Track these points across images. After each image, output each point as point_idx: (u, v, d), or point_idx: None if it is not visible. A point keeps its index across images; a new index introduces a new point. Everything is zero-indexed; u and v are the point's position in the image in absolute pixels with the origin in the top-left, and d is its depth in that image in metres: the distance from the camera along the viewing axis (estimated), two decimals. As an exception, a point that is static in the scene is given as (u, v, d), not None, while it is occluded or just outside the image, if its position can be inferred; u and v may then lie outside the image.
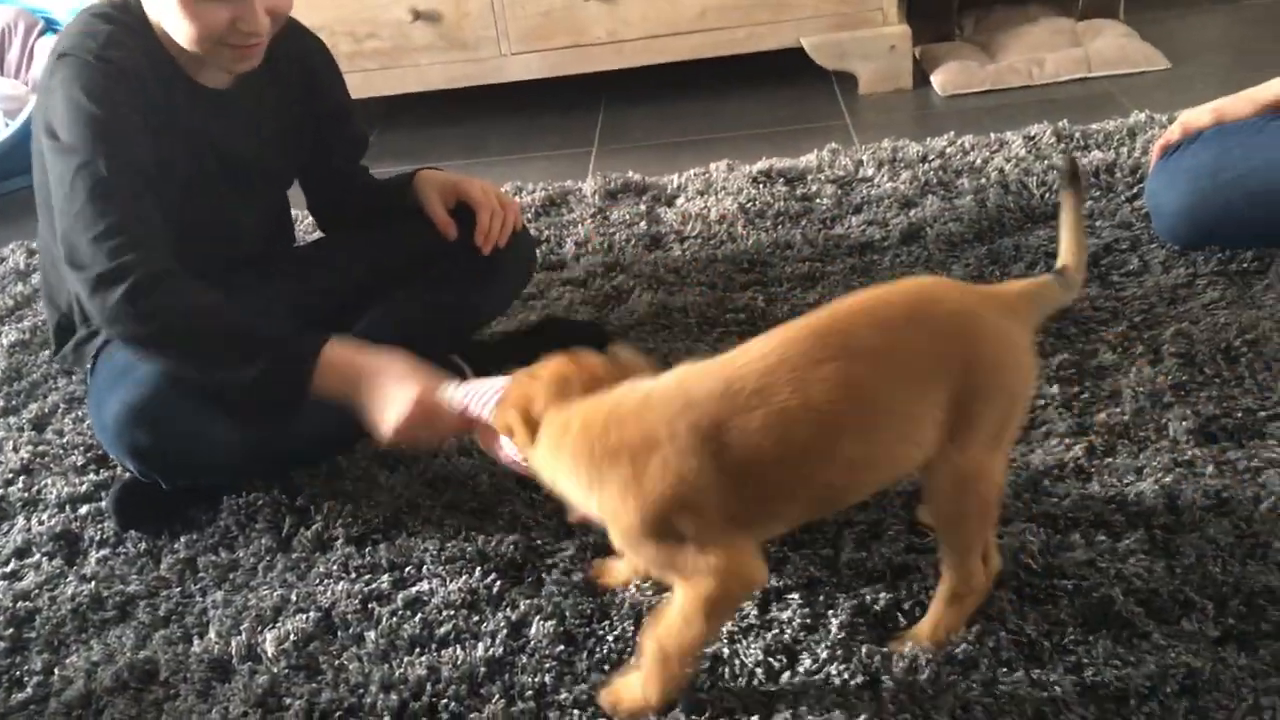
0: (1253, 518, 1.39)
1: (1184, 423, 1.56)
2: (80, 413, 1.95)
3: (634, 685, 1.23)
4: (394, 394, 1.44)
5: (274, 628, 1.42)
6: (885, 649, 1.27)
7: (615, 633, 1.35)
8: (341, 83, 1.91)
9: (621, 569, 1.42)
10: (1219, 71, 2.92)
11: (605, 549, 1.46)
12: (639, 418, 1.15)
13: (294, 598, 1.48)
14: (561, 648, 1.34)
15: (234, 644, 1.41)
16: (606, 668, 1.31)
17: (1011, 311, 1.23)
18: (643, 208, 2.49)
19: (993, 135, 2.56)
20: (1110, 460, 1.53)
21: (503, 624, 1.38)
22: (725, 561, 1.15)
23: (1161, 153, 2.04)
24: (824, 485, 1.18)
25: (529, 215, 2.53)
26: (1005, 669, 1.23)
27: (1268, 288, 1.85)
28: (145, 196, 1.53)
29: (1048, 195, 2.25)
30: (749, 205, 2.41)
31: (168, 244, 1.53)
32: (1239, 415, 1.57)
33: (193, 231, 1.71)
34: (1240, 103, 1.99)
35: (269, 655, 1.39)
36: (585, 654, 1.33)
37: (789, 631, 1.31)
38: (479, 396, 1.37)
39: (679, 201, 2.51)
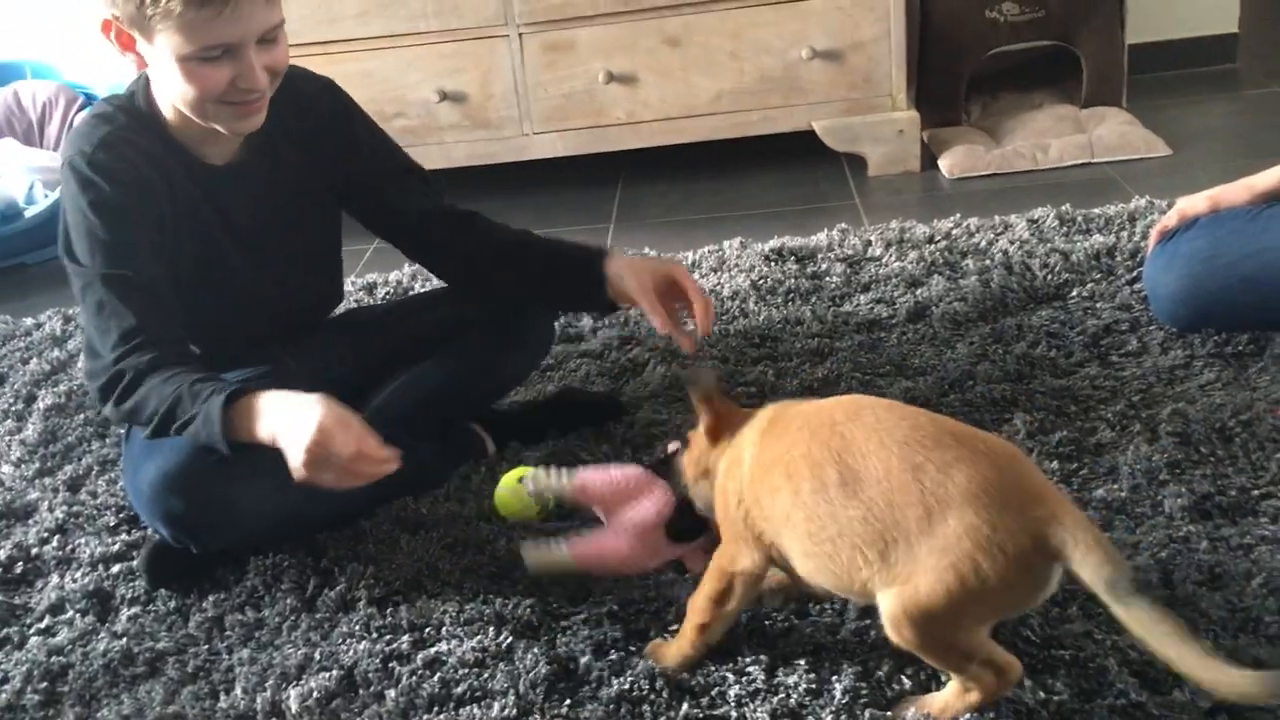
0: (1244, 592, 1.43)
1: (1179, 500, 1.61)
2: (113, 474, 2.03)
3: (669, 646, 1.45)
4: (299, 418, 1.48)
5: (298, 685, 1.47)
6: (888, 715, 1.31)
7: (628, 691, 1.39)
8: (362, 119, 1.89)
9: (671, 651, 1.45)
10: (1219, 158, 3.01)
11: (619, 616, 1.53)
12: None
13: (317, 656, 1.53)
14: (571, 707, 1.39)
15: (259, 700, 1.46)
16: (618, 728, 1.36)
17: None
18: (658, 283, 2.57)
19: (998, 218, 2.64)
20: (1108, 535, 1.58)
21: (518, 683, 1.42)
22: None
23: (1159, 237, 2.11)
24: None
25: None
26: (1003, 735, 1.28)
27: (1262, 370, 1.91)
28: (145, 298, 1.63)
29: (1050, 277, 2.32)
30: (760, 282, 2.49)
31: (170, 335, 1.64)
32: (1233, 493, 1.62)
33: (210, 310, 1.79)
34: (1236, 190, 2.06)
35: (292, 712, 1.44)
36: (596, 716, 1.37)
37: (795, 696, 1.36)
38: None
39: (693, 277, 2.58)
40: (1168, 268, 2.04)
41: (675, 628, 1.49)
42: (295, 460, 1.48)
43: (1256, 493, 1.62)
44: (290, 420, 1.49)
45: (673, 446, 1.63)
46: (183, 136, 1.71)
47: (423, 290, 2.57)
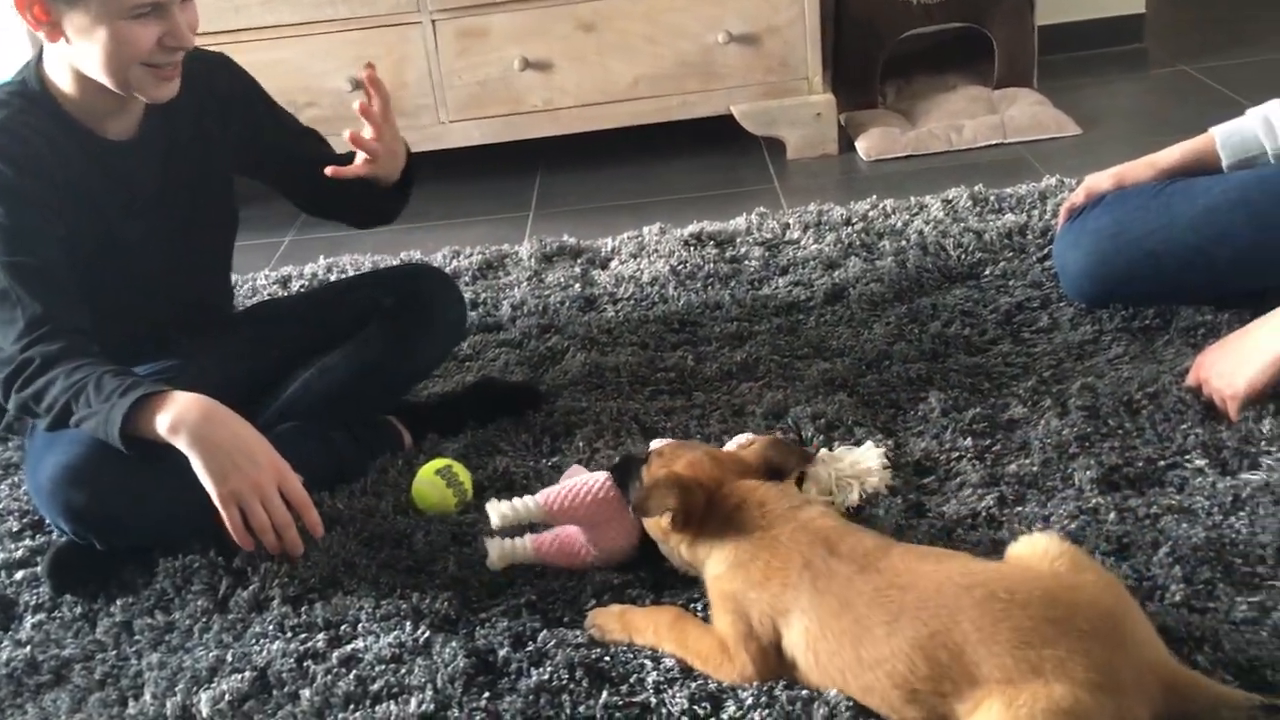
0: (1151, 561, 1.46)
1: (1088, 472, 1.63)
2: (15, 479, 1.96)
3: (617, 624, 1.45)
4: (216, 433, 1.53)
5: (209, 688, 1.44)
6: (804, 693, 1.31)
7: (546, 682, 1.38)
8: (259, 91, 1.92)
9: (616, 634, 1.46)
10: (1127, 137, 3.06)
11: (537, 607, 1.52)
12: (794, 537, 1.34)
13: (230, 658, 1.49)
14: (490, 699, 1.37)
15: (169, 705, 1.43)
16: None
17: None
18: (577, 270, 2.56)
19: (913, 199, 2.67)
20: (1020, 509, 1.60)
21: (436, 678, 1.40)
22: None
23: (1068, 215, 2.14)
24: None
25: (466, 279, 2.58)
26: (919, 710, 1.29)
27: (1168, 343, 1.95)
28: (51, 286, 1.61)
29: (964, 256, 2.35)
30: (680, 267, 2.48)
31: (77, 324, 1.62)
32: (1140, 464, 1.65)
33: (111, 294, 1.75)
34: (1140, 168, 2.10)
35: (204, 715, 1.40)
36: (516, 707, 1.36)
37: (712, 680, 1.36)
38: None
39: (613, 264, 2.58)
40: (1076, 245, 2.08)
41: (593, 605, 1.50)
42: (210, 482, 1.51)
43: (1163, 463, 1.65)
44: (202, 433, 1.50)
45: (657, 443, 1.62)
46: (81, 113, 1.70)
47: (334, 280, 2.52)
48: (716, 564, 1.39)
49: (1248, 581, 1.42)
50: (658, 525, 1.45)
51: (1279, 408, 1.69)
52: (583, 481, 1.59)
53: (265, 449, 1.55)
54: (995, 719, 1.14)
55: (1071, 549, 1.28)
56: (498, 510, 1.58)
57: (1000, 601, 1.18)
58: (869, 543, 1.33)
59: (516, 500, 1.59)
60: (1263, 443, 1.65)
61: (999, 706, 1.14)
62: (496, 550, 1.58)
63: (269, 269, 2.79)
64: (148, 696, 1.46)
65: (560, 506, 1.57)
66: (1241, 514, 1.52)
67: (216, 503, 1.52)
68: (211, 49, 1.91)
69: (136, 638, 1.57)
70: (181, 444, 1.51)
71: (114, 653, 1.56)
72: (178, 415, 1.51)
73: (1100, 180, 2.11)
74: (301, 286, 2.64)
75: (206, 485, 1.51)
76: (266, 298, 2.54)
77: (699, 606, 1.46)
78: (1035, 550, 1.28)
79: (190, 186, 1.84)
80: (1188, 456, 1.66)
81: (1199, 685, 1.18)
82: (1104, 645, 1.15)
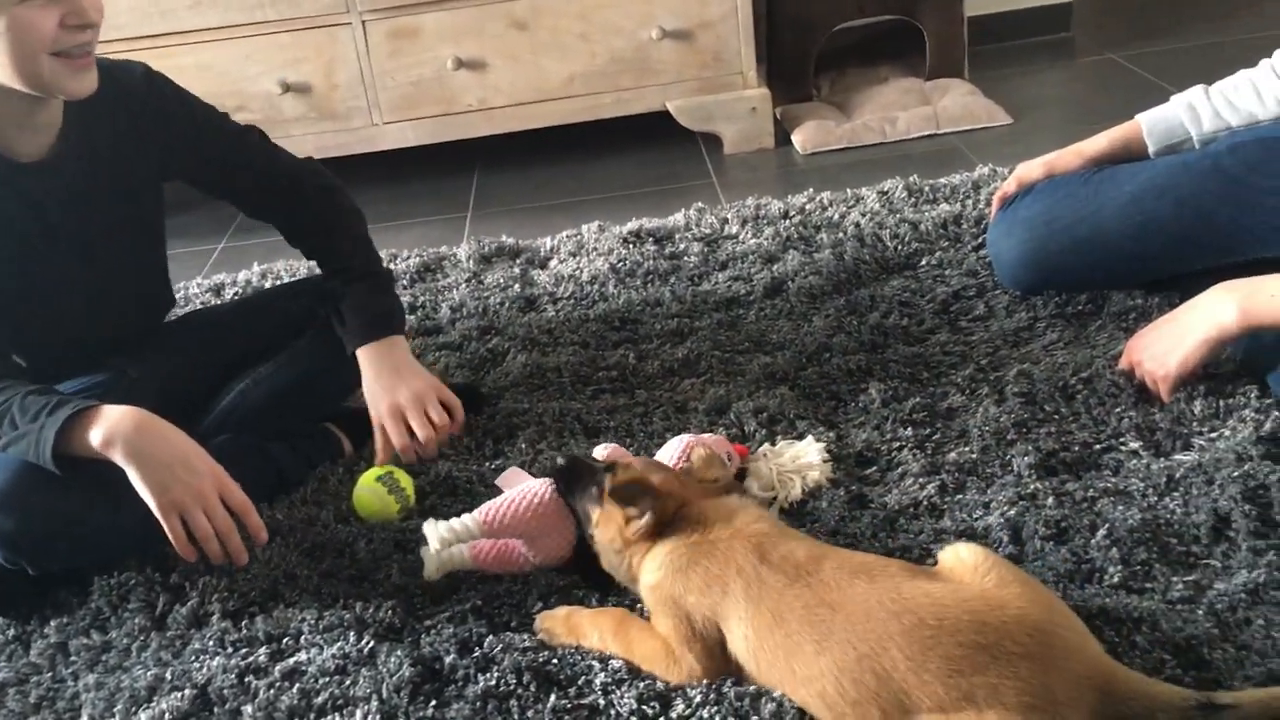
0: (1089, 545, 1.48)
1: (1026, 458, 1.65)
2: (-57, 500, 1.91)
3: (563, 628, 1.45)
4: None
5: (148, 707, 1.41)
6: (752, 690, 1.32)
7: (494, 687, 1.37)
8: (184, 99, 1.85)
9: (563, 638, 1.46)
10: (1057, 125, 3.11)
11: (483, 612, 1.51)
12: (729, 544, 1.34)
13: (169, 676, 1.46)
14: (437, 708, 1.36)
15: (108, 727, 1.40)
16: (485, 725, 1.33)
17: None
18: (517, 270, 2.54)
19: (849, 191, 2.68)
20: (960, 496, 1.62)
21: (381, 688, 1.38)
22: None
23: (1000, 204, 2.17)
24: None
25: (404, 282, 2.56)
26: (866, 701, 1.29)
27: (1100, 328, 1.98)
28: None
29: (900, 247, 2.37)
30: (619, 265, 2.48)
31: None
32: (1076, 449, 1.67)
33: (34, 317, 1.71)
34: (1069, 156, 2.12)
35: (144, 736, 1.38)
36: (463, 714, 1.35)
37: (661, 681, 1.35)
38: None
39: (552, 263, 2.57)
40: (1009, 233, 2.10)
41: (539, 608, 1.50)
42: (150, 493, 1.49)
43: (1098, 447, 1.68)
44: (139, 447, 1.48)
45: (601, 451, 1.61)
46: None
47: (268, 287, 2.49)
48: (652, 571, 1.38)
49: (1183, 561, 1.45)
50: (621, 534, 1.42)
51: (1210, 389, 1.72)
52: (520, 493, 1.58)
53: (203, 456, 1.54)
54: None
55: (998, 561, 1.27)
56: (436, 533, 1.57)
57: (929, 629, 1.17)
58: (801, 553, 1.31)
59: (454, 521, 1.57)
60: (1194, 423, 1.68)
61: None
62: (434, 563, 1.57)
63: (201, 277, 2.75)
64: (85, 718, 1.42)
65: (500, 522, 1.56)
66: (1175, 494, 1.55)
67: (157, 514, 1.50)
68: (138, 54, 1.87)
69: (73, 659, 1.54)
70: (118, 457, 1.49)
71: (49, 675, 1.52)
72: (111, 429, 1.49)
73: (1031, 169, 2.14)
74: (235, 294, 2.59)
75: (146, 497, 1.49)
76: (199, 306, 2.50)
77: (643, 607, 1.46)
78: (964, 564, 1.27)
79: (114, 207, 1.77)
80: (1122, 439, 1.68)
81: (1135, 685, 1.18)
82: (1035, 664, 1.14)
